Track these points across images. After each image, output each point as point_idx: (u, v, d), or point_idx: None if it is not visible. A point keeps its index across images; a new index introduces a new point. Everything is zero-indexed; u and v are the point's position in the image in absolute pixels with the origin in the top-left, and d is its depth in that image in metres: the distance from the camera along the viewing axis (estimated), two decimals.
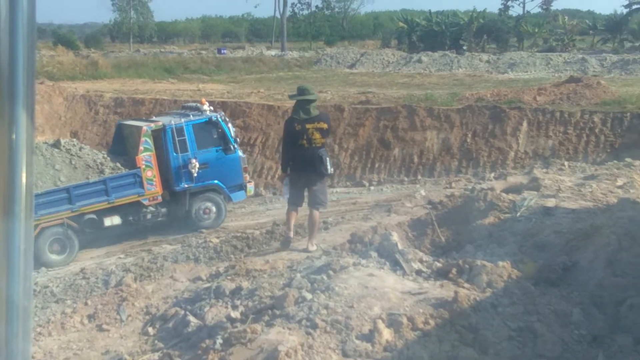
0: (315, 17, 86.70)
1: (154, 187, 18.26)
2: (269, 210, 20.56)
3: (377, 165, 25.85)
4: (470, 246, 8.96)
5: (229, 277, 9.06)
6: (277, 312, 6.66)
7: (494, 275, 7.21)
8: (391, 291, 6.77)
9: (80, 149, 18.78)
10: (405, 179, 24.55)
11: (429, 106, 27.44)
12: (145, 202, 18.35)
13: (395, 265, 7.70)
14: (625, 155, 18.80)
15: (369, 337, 5.89)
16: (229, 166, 19.11)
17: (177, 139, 18.55)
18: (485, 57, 52.77)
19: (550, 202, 10.29)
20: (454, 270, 7.50)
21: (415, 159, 25.38)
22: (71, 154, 18.40)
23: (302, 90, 11.43)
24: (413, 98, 29.75)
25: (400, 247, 8.15)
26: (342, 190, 23.25)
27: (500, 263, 7.49)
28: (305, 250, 10.96)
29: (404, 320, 6.08)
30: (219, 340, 6.37)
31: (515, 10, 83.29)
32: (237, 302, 7.57)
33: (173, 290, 9.52)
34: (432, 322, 6.14)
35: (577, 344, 6.43)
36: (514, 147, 25.19)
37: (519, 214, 9.69)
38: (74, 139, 20.03)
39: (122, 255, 15.99)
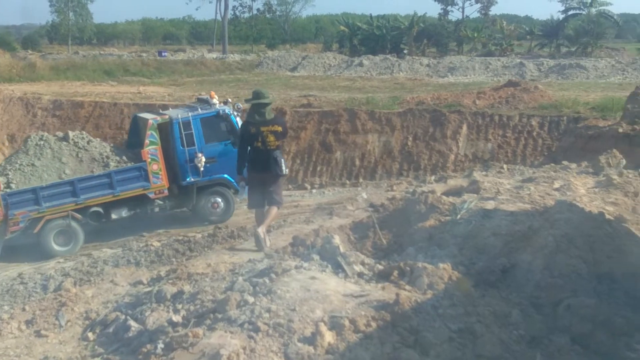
0: (256, 20, 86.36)
1: (160, 180, 18.09)
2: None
3: (319, 169, 25.94)
4: (412, 248, 9.02)
5: (170, 281, 8.98)
6: (219, 316, 6.62)
7: (434, 277, 7.27)
8: (333, 294, 6.78)
9: (88, 142, 18.63)
10: (347, 182, 24.67)
11: (371, 109, 27.61)
12: (151, 196, 18.20)
13: (337, 268, 7.71)
14: (562, 158, 19.11)
15: (311, 340, 5.90)
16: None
17: (183, 132, 18.35)
18: (425, 61, 53.31)
19: (490, 205, 10.41)
20: (395, 273, 7.54)
21: (357, 162, 25.53)
22: (78, 147, 18.34)
23: (257, 94, 11.80)
24: (354, 101, 29.91)
25: (342, 250, 8.16)
26: (284, 193, 23.19)
27: (441, 265, 7.55)
28: (255, 234, 11.62)
29: (346, 322, 6.10)
30: (160, 345, 6.31)
31: (455, 15, 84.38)
32: (179, 306, 7.51)
33: (113, 295, 9.40)
34: (373, 324, 6.17)
35: (516, 344, 6.52)
36: (454, 150, 25.49)
37: (459, 216, 9.78)
38: (84, 132, 19.66)
39: (61, 260, 15.75)
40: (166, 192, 18.34)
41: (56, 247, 17.10)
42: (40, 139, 18.44)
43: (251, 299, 6.73)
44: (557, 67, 47.24)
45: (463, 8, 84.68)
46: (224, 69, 56.15)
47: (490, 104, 27.78)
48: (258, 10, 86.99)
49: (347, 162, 25.73)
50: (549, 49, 67.34)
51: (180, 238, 14.81)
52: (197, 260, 10.96)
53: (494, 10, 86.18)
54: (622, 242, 9.24)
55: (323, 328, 5.97)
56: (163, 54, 65.34)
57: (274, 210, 11.89)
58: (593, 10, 69.82)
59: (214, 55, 66.62)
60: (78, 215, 17.35)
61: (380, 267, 7.85)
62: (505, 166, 15.63)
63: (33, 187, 17.16)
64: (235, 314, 6.49)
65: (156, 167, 17.93)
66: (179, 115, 18.62)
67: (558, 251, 8.18)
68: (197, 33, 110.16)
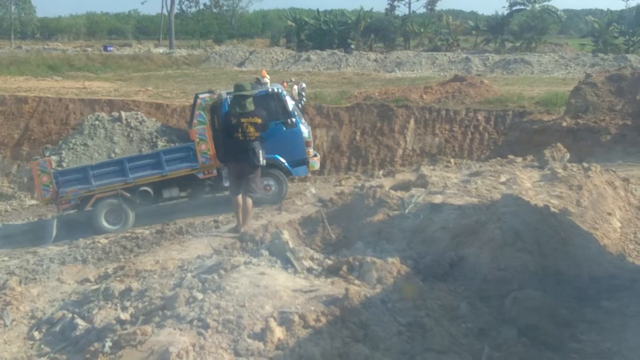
0: (203, 15, 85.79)
1: (208, 160, 17.76)
2: (159, 207, 20.25)
3: None
4: (360, 243, 9.04)
5: (118, 278, 8.87)
6: (168, 313, 6.56)
7: (383, 272, 7.30)
8: (282, 289, 6.77)
9: (141, 122, 18.50)
10: (296, 177, 24.65)
11: (319, 104, 27.65)
12: (200, 176, 17.95)
13: (287, 264, 7.70)
14: (508, 152, 19.39)
15: (261, 336, 5.88)
16: (289, 140, 18.11)
17: None
18: (373, 56, 53.55)
19: (438, 199, 10.49)
20: (344, 268, 7.55)
21: None
22: (130, 127, 18.28)
23: (238, 87, 12.44)
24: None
25: (291, 245, 8.15)
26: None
27: (390, 259, 7.58)
28: (235, 230, 12.13)
29: (296, 318, 6.09)
30: (108, 343, 6.23)
31: (402, 10, 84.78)
32: (127, 304, 7.42)
33: (60, 293, 9.25)
34: (323, 319, 6.17)
35: (465, 337, 6.57)
36: (402, 145, 25.66)
37: (407, 210, 9.84)
38: (139, 112, 19.44)
39: (5, 258, 15.46)
40: (215, 172, 17.98)
41: (107, 225, 17.34)
42: (96, 119, 18.56)
43: (200, 296, 6.68)
44: (502, 62, 47.82)
45: (410, 3, 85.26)
46: (171, 64, 55.74)
47: (437, 98, 28.02)
48: (205, 4, 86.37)
49: None
50: (494, 44, 68.00)
51: (127, 235, 14.65)
52: (145, 257, 10.86)
53: (440, 6, 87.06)
54: (567, 234, 9.41)
55: (273, 324, 5.95)
56: (109, 48, 64.58)
57: (249, 204, 12.22)
58: (537, 6, 70.75)
59: (161, 50, 66.03)
60: (127, 194, 17.43)
61: (330, 262, 7.85)
62: (452, 160, 15.78)
63: (83, 165, 17.40)
64: (184, 310, 6.44)
65: (204, 147, 17.63)
66: (228, 95, 18.04)
67: (505, 244, 8.28)
68: (144, 28, 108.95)
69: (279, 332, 5.91)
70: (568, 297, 8.19)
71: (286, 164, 18.03)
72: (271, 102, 17.88)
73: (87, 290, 8.84)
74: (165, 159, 17.62)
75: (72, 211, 17.89)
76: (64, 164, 17.59)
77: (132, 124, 18.27)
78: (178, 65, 55.62)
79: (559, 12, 71.57)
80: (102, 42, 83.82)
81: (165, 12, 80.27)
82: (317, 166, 18.94)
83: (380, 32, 69.13)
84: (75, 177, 17.36)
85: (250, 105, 12.16)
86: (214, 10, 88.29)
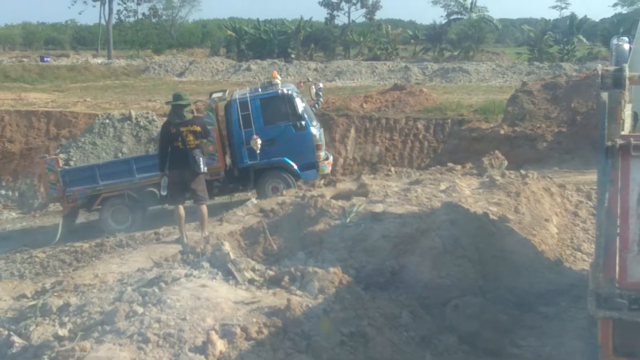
0: (142, 25, 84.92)
1: (215, 162, 17.53)
2: (97, 221, 19.97)
3: None
4: (302, 253, 9.03)
5: (56, 294, 8.71)
6: (107, 328, 6.46)
7: (325, 282, 7.30)
8: (224, 301, 6.72)
9: (150, 121, 18.06)
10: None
11: None
12: (207, 178, 17.66)
13: (228, 275, 7.65)
14: (447, 159, 19.54)
15: (203, 349, 5.83)
16: (299, 143, 17.94)
17: (240, 113, 17.71)
18: (313, 65, 53.64)
19: (378, 208, 10.52)
20: (286, 278, 7.53)
21: None
22: (140, 126, 18.23)
23: (176, 97, 12.36)
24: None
25: (232, 256, 8.10)
26: None
27: (332, 269, 7.59)
28: (178, 241, 11.96)
29: (238, 330, 6.06)
30: None
31: (341, 20, 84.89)
32: (65, 319, 7.28)
33: None
34: (265, 331, 6.15)
35: (406, 345, 6.62)
36: (342, 154, 25.74)
37: (348, 220, 9.86)
38: (149, 111, 18.99)
39: None
40: (222, 174, 17.87)
41: (114, 225, 17.15)
42: (106, 118, 18.64)
43: (140, 310, 6.60)
44: (441, 71, 48.31)
45: (349, 13, 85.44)
46: (109, 75, 55.04)
47: (377, 107, 28.20)
48: (143, 14, 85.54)
49: None
50: (432, 53, 68.70)
51: (66, 248, 14.40)
52: (84, 271, 10.68)
53: (379, 15, 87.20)
54: (506, 241, 9.53)
55: (214, 337, 5.91)
56: (45, 59, 63.48)
57: (204, 211, 12.15)
58: (474, 16, 71.76)
59: (99, 60, 65.19)
60: (133, 194, 17.30)
61: (271, 272, 7.83)
62: (392, 169, 15.83)
63: (90, 165, 17.50)
64: (124, 325, 6.35)
65: (212, 148, 17.36)
66: (237, 96, 18.09)
67: (445, 252, 8.36)
68: (81, 38, 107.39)
69: (220, 345, 5.86)
70: (507, 303, 8.29)
71: (295, 167, 17.85)
72: (281, 104, 17.90)
73: (23, 306, 8.64)
74: None
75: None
76: (72, 163, 17.81)
77: (141, 123, 18.16)
78: (117, 75, 54.95)
79: (495, 21, 72.71)
80: (38, 52, 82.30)
81: (103, 21, 79.32)
82: (327, 170, 18.53)
83: (320, 41, 69.34)
84: (82, 176, 17.30)
85: (188, 114, 12.13)
86: (153, 20, 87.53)
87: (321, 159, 18.30)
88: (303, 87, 18.97)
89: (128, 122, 18.11)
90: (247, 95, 18.12)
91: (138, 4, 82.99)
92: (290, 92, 18.01)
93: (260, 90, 18.59)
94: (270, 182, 17.92)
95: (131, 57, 70.82)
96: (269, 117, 17.93)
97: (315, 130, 18.36)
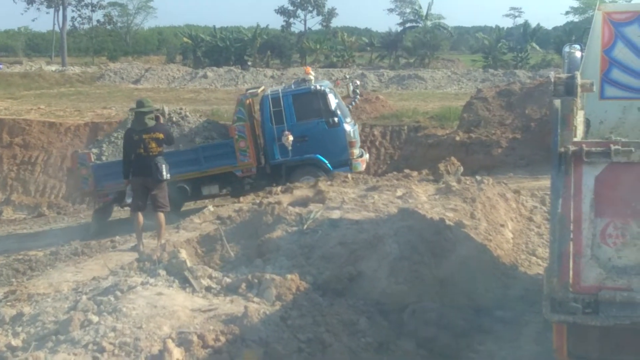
0: (97, 32, 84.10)
1: (247, 158, 17.53)
2: (52, 230, 19.74)
3: None
4: (259, 260, 9.01)
5: (8, 303, 8.56)
6: (62, 338, 6.37)
7: (282, 289, 7.30)
8: (181, 309, 6.69)
9: (183, 117, 18.16)
10: None
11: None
12: (238, 174, 17.66)
13: (185, 283, 7.61)
14: (404, 166, 19.64)
15: (159, 358, 5.78)
16: (331, 140, 17.86)
17: (272, 109, 17.62)
18: (269, 72, 53.56)
19: (336, 214, 10.54)
20: (243, 285, 7.52)
21: None
22: (172, 122, 17.94)
23: (139, 104, 12.48)
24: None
25: (189, 264, 8.07)
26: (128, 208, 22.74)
27: (289, 276, 7.59)
28: (135, 249, 12.01)
29: (195, 338, 6.02)
30: None
31: (297, 27, 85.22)
32: (18, 329, 7.16)
33: None
34: (222, 338, 6.12)
35: (364, 352, 6.63)
36: None
37: (305, 226, 9.86)
38: (183, 107, 18.73)
39: None
40: (254, 170, 17.80)
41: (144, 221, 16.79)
42: None
43: (95, 318, 6.53)
44: (396, 78, 48.57)
45: (305, 20, 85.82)
46: (64, 82, 54.33)
47: None
48: (98, 21, 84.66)
49: None
50: (388, 60, 69.07)
51: (20, 257, 14.21)
52: (38, 280, 10.54)
53: (335, 23, 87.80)
54: (462, 246, 9.59)
55: (171, 345, 5.87)
56: None
57: (161, 219, 12.19)
58: (428, 23, 72.38)
59: (53, 67, 64.37)
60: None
61: (228, 280, 7.80)
62: (349, 175, 15.89)
63: (120, 159, 16.91)
64: (79, 334, 6.27)
65: (243, 144, 17.42)
66: (269, 91, 17.98)
67: (402, 258, 8.39)
68: (35, 45, 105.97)
69: (177, 354, 5.82)
70: (464, 308, 8.35)
71: (328, 164, 17.74)
72: (314, 100, 17.86)
73: None
74: (203, 155, 17.46)
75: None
76: (104, 158, 17.65)
77: (174, 118, 17.98)
78: (71, 83, 54.29)
79: (449, 29, 73.42)
80: None
81: (57, 28, 78.46)
82: (360, 168, 18.36)
83: (276, 48, 69.35)
84: (113, 170, 16.86)
85: (150, 121, 12.16)
86: (108, 27, 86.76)
87: (355, 157, 18.22)
88: (340, 84, 18.89)
89: (161, 118, 18.06)
90: (279, 91, 18.10)
91: (92, 10, 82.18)
92: (323, 88, 17.93)
93: (293, 86, 18.65)
94: (302, 179, 17.44)
95: (86, 64, 70.12)
96: (301, 114, 17.94)
97: (349, 127, 18.30)
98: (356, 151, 18.41)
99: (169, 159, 17.15)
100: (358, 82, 19.80)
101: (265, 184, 17.83)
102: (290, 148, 17.65)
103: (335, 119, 17.77)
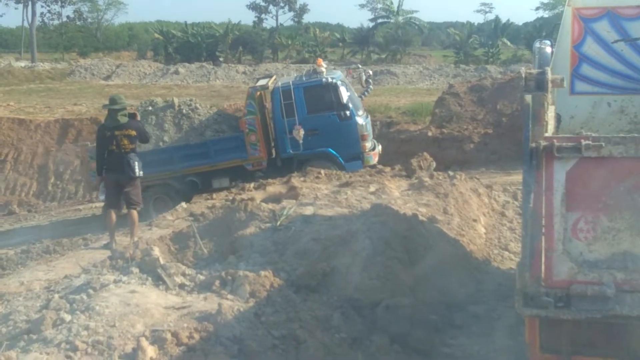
0: (67, 28, 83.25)
1: (257, 152, 17.29)
2: (23, 228, 19.58)
3: None
4: (233, 257, 8.99)
5: None
6: (34, 337, 6.32)
7: (256, 285, 7.29)
8: (154, 307, 6.66)
9: (193, 109, 17.92)
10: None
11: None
12: (249, 168, 17.41)
13: (158, 280, 7.58)
14: (377, 162, 19.66)
15: (133, 356, 5.76)
16: (343, 133, 17.58)
17: (283, 102, 17.37)
18: (241, 68, 53.44)
19: (309, 210, 10.55)
20: (217, 283, 7.50)
21: None
22: (182, 114, 17.77)
23: (111, 100, 12.36)
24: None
25: (162, 261, 8.04)
26: (101, 205, 22.59)
27: (263, 272, 7.59)
28: (107, 247, 11.90)
29: (168, 336, 6.00)
30: None
31: (269, 23, 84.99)
32: None
33: None
34: (196, 336, 6.11)
35: (338, 347, 6.65)
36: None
37: (279, 223, 9.85)
38: (193, 99, 18.47)
39: None
40: (265, 164, 17.59)
41: (155, 215, 16.47)
42: (149, 105, 18.26)
43: (68, 317, 6.48)
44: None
45: (277, 16, 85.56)
46: (33, 78, 53.78)
47: None
48: (68, 17, 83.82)
49: None
50: (360, 56, 69.13)
51: None
52: (9, 279, 10.45)
53: (307, 18, 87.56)
54: (435, 241, 9.65)
55: (144, 343, 5.84)
56: None
57: (134, 216, 12.12)
58: (400, 19, 72.51)
59: (22, 63, 63.67)
60: (175, 184, 17.19)
61: (202, 277, 7.78)
62: (322, 171, 15.89)
63: None
64: (51, 333, 6.23)
65: (254, 137, 17.19)
66: (280, 84, 17.73)
67: (375, 254, 8.41)
68: (3, 41, 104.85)
69: (151, 351, 5.80)
70: (438, 303, 8.40)
71: (339, 157, 17.54)
72: (325, 93, 17.59)
73: None
74: (214, 149, 17.29)
75: None
76: None
77: (184, 110, 17.80)
78: (41, 79, 53.75)
79: (420, 24, 73.66)
80: None
81: (26, 24, 77.68)
82: (372, 161, 18.05)
83: (248, 44, 69.12)
84: None
85: (122, 118, 12.09)
86: (78, 22, 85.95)
87: (367, 150, 17.99)
88: (352, 74, 18.73)
89: (170, 110, 17.79)
90: (290, 83, 17.88)
91: (62, 6, 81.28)
92: (334, 80, 17.68)
93: (304, 78, 18.44)
94: None
95: (56, 60, 69.45)
96: (312, 106, 17.69)
97: (361, 119, 18.08)
98: (368, 144, 18.16)
99: (178, 153, 17.11)
100: (371, 72, 19.62)
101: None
102: (301, 141, 17.44)
103: (347, 112, 17.58)
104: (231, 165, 17.67)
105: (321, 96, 17.70)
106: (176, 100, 18.45)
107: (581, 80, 8.83)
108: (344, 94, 17.66)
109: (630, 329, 5.30)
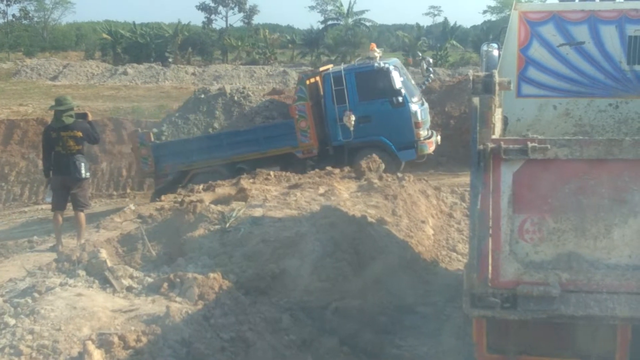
0: (12, 27, 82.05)
1: (307, 139, 16.81)
2: None
3: None
4: (182, 259, 8.93)
5: None
6: None
7: (205, 288, 7.25)
8: (101, 310, 6.58)
9: (245, 97, 17.71)
10: (115, 193, 24.01)
11: (136, 119, 27.14)
12: (299, 155, 16.94)
13: (105, 283, 7.50)
14: (326, 163, 19.69)
15: None
16: (397, 121, 16.97)
17: (334, 88, 16.86)
18: (191, 69, 53.15)
19: (258, 212, 10.53)
20: (165, 285, 7.44)
21: (124, 173, 24.92)
22: (233, 101, 17.55)
23: (57, 101, 12.22)
24: (120, 111, 29.36)
25: (109, 264, 7.95)
26: (47, 207, 22.28)
27: (211, 275, 7.54)
28: (54, 249, 11.61)
29: (115, 339, 5.93)
30: None
31: (219, 24, 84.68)
32: None
33: None
34: (144, 339, 6.05)
35: (288, 349, 6.64)
36: None
37: (228, 225, 9.82)
38: (246, 86, 18.10)
39: None
40: (315, 152, 17.13)
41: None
42: (202, 93, 18.08)
43: (12, 321, 6.37)
44: None
45: (227, 17, 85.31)
46: None
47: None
48: (14, 15, 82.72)
49: (114, 172, 25.06)
50: (310, 58, 69.18)
51: None
52: None
53: (257, 20, 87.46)
54: (384, 243, 9.70)
55: (91, 347, 5.77)
56: None
57: (81, 218, 12.05)
58: (350, 21, 72.80)
59: None
60: (225, 172, 16.55)
61: (150, 279, 7.72)
62: (272, 173, 15.86)
63: (181, 139, 16.85)
64: None
65: (304, 124, 16.77)
66: (331, 69, 17.28)
67: (325, 255, 8.43)
68: None
69: (97, 355, 5.73)
70: (387, 304, 8.44)
71: (392, 146, 17.18)
72: (377, 79, 17.18)
73: None
74: (263, 136, 16.95)
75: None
76: (163, 137, 17.22)
77: (235, 98, 17.52)
78: None
79: (372, 24, 74.11)
80: None
81: None
82: (427, 150, 17.68)
83: (197, 45, 68.76)
84: (173, 150, 16.86)
85: (68, 119, 11.94)
86: (24, 21, 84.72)
87: (421, 138, 17.47)
88: (411, 62, 18.43)
89: (222, 97, 17.54)
90: (342, 69, 17.53)
91: (7, 5, 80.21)
92: (387, 65, 17.26)
93: (356, 64, 18.17)
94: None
95: (1, 60, 68.35)
96: (364, 93, 17.26)
97: (416, 107, 17.52)
98: (423, 132, 17.58)
99: (227, 139, 16.88)
100: (431, 60, 19.38)
101: (327, 166, 16.91)
102: (352, 129, 16.99)
103: (400, 99, 17.05)
104: (281, 152, 17.26)
105: (373, 82, 17.26)
106: (228, 88, 18.37)
107: (527, 83, 8.94)
108: (397, 80, 17.23)
109: (575, 329, 5.39)
